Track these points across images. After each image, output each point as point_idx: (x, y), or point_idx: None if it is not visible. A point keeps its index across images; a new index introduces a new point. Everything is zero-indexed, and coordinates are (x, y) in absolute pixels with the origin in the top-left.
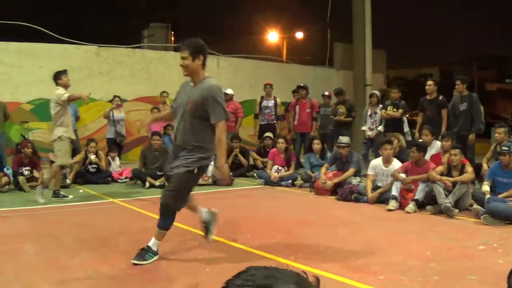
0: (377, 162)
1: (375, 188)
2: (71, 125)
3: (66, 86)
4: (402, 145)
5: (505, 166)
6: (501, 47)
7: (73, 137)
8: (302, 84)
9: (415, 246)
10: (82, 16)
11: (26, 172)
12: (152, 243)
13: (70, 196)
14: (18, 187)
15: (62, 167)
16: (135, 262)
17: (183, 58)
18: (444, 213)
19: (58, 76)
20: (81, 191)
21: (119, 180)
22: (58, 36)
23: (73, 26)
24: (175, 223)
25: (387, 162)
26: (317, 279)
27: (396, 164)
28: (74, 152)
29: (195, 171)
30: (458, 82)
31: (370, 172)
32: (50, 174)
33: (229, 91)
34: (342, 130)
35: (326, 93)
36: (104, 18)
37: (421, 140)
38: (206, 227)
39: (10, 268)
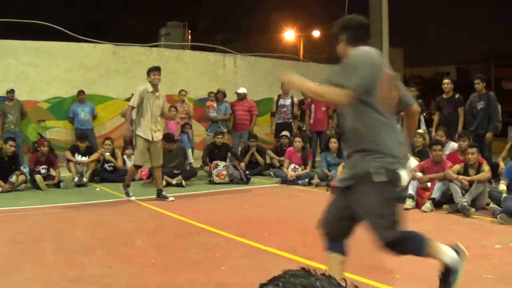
0: None
1: None
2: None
3: (152, 84)
4: (426, 143)
5: None
6: None
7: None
8: (317, 83)
9: None
10: (99, 15)
11: (43, 171)
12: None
13: (171, 198)
14: (35, 186)
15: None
16: None
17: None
18: (460, 212)
19: (147, 73)
20: (98, 189)
21: (135, 178)
22: (75, 35)
23: (90, 24)
24: (190, 221)
25: None
26: (356, 287)
27: (412, 161)
28: (91, 150)
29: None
30: (478, 81)
31: None
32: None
33: (241, 90)
34: None
35: None
36: (122, 16)
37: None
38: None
39: (29, 265)
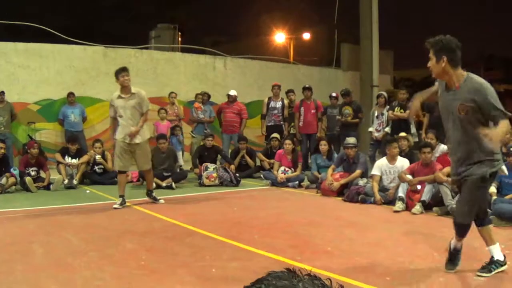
0: (382, 161)
1: (382, 189)
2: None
3: (122, 86)
4: (411, 146)
5: None
6: (508, 48)
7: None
8: (307, 85)
9: (421, 247)
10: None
11: (32, 173)
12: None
13: (161, 201)
14: (25, 188)
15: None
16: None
17: (429, 58)
18: (450, 215)
19: (116, 76)
20: (87, 191)
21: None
22: (65, 37)
23: (80, 26)
24: (180, 223)
25: (392, 159)
26: (341, 287)
27: (401, 161)
28: (81, 152)
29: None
30: None
31: (375, 172)
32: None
33: (233, 92)
34: (349, 132)
35: (334, 94)
36: (112, 19)
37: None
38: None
39: (19, 268)
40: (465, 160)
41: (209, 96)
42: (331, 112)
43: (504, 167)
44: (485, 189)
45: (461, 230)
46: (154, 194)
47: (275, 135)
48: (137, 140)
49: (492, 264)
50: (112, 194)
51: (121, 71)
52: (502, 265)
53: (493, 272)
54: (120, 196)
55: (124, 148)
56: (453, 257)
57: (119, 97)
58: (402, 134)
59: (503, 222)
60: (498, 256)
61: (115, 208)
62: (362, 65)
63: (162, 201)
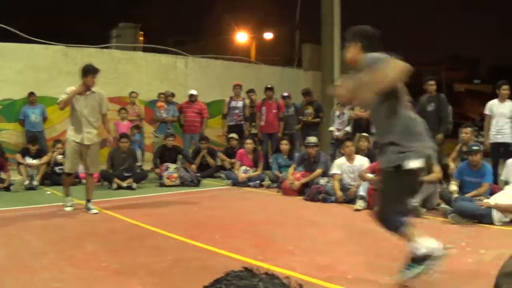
0: (341, 160)
1: (343, 187)
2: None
3: (86, 85)
4: (370, 146)
5: (474, 166)
6: (469, 48)
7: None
8: (269, 85)
9: (383, 245)
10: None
11: None
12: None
13: (94, 210)
14: None
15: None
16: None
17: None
18: (412, 212)
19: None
20: (48, 192)
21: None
22: (26, 36)
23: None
24: (141, 224)
25: (350, 159)
26: (300, 286)
27: (360, 160)
28: (41, 153)
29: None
30: (432, 82)
31: (336, 171)
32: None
33: (193, 92)
34: (310, 131)
35: (285, 94)
36: (73, 18)
37: None
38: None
39: None
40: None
41: (173, 96)
42: (287, 111)
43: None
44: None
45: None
46: (90, 204)
47: (233, 135)
48: (90, 141)
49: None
50: (72, 195)
51: (94, 72)
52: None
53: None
54: (67, 196)
55: (75, 149)
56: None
57: (81, 94)
58: (363, 134)
59: (464, 219)
60: (425, 248)
61: (68, 210)
62: (323, 65)
63: (95, 210)
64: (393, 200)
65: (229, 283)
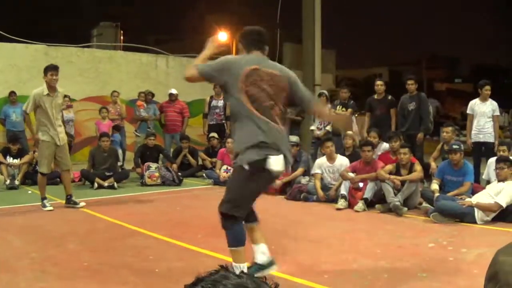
0: (322, 160)
1: (324, 187)
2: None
3: (49, 85)
4: (356, 144)
5: (455, 165)
6: (450, 47)
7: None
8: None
9: (364, 244)
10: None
11: None
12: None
13: (82, 203)
14: None
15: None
16: None
17: None
18: (393, 212)
19: (44, 72)
20: (30, 192)
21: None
22: (7, 35)
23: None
24: (123, 224)
25: (331, 159)
26: (276, 285)
27: (340, 160)
28: (22, 152)
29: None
30: (411, 81)
31: (316, 171)
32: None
33: (174, 91)
34: (291, 130)
35: None
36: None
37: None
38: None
39: None
40: None
41: (153, 95)
42: None
43: None
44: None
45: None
46: (74, 198)
47: (214, 134)
48: (62, 141)
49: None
50: (54, 194)
51: (51, 69)
52: (262, 269)
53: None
54: (44, 199)
55: (52, 150)
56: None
57: (48, 95)
58: (349, 132)
59: (445, 218)
60: (259, 259)
61: (48, 210)
62: (304, 64)
63: (83, 203)
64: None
65: (216, 283)
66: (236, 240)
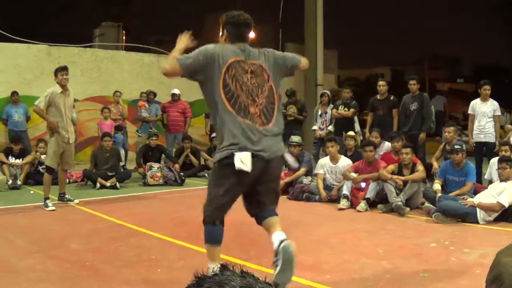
0: (324, 160)
1: (326, 187)
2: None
3: (61, 85)
4: (358, 145)
5: (457, 165)
6: (451, 47)
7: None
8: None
9: (366, 244)
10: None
11: None
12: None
13: (76, 200)
14: None
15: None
16: None
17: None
18: (395, 212)
19: (55, 74)
20: (32, 192)
21: (70, 181)
22: (9, 35)
23: (24, 25)
24: (125, 224)
25: (334, 159)
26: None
27: (343, 160)
28: (24, 152)
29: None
30: (413, 81)
31: (319, 171)
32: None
33: (176, 91)
34: (293, 130)
35: None
36: (56, 17)
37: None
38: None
39: None
40: None
41: (154, 95)
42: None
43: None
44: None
45: None
46: (67, 196)
47: (215, 134)
48: (71, 139)
49: None
50: (57, 195)
51: (61, 70)
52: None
53: None
54: (47, 199)
55: (61, 147)
56: None
57: (61, 93)
58: (350, 133)
59: (447, 218)
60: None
61: (50, 210)
62: None
63: (76, 200)
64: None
65: (222, 284)
66: (210, 238)
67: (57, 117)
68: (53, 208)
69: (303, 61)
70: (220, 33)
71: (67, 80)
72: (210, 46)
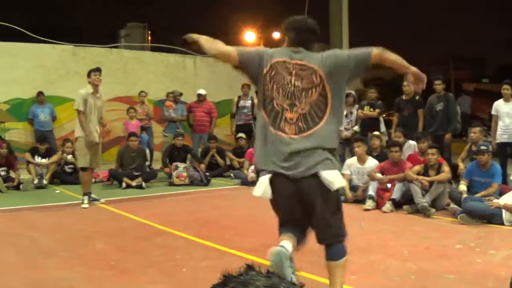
0: (351, 161)
1: (352, 187)
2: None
3: (93, 85)
4: (383, 145)
5: (483, 166)
6: (477, 47)
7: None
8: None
9: (392, 245)
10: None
11: (2, 173)
12: None
13: (102, 200)
14: None
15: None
16: None
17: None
18: (420, 213)
19: (88, 74)
20: (57, 191)
21: (96, 180)
22: (34, 36)
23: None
24: (150, 223)
25: (361, 160)
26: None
27: (371, 161)
28: (50, 152)
29: None
30: (439, 81)
31: (345, 171)
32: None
33: (202, 91)
34: None
35: None
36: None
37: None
38: None
39: None
40: None
41: (181, 95)
42: None
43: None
44: None
45: None
46: (93, 195)
47: (242, 134)
48: (99, 139)
49: None
50: (82, 194)
51: (95, 71)
52: None
53: None
54: (86, 194)
55: (89, 146)
56: None
57: (92, 93)
58: (376, 133)
59: (473, 220)
60: None
61: (85, 207)
62: None
63: (102, 200)
64: None
65: (246, 283)
66: None
67: (88, 117)
68: (87, 206)
69: (375, 52)
70: (282, 39)
71: (99, 80)
72: (267, 48)
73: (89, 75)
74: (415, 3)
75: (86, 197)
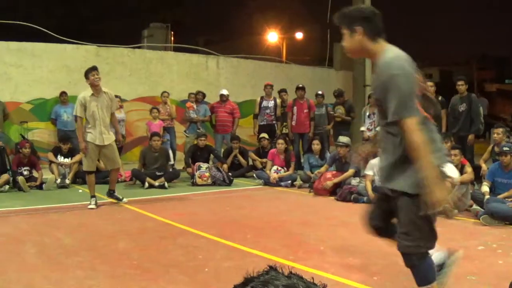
0: (375, 161)
1: (375, 188)
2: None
3: (93, 85)
4: None
5: (505, 167)
6: (500, 47)
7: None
8: (300, 85)
9: None
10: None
11: (25, 172)
12: None
13: (125, 199)
14: (18, 187)
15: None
16: None
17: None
18: (443, 214)
19: (85, 75)
20: (80, 191)
21: (119, 180)
22: (58, 36)
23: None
24: (173, 223)
25: None
26: (324, 286)
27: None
28: (73, 152)
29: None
30: (461, 82)
31: (369, 172)
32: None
33: (225, 91)
34: (341, 130)
35: (320, 92)
36: (105, 18)
37: None
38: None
39: (12, 267)
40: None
41: (204, 95)
42: (319, 110)
43: None
44: None
45: None
46: (116, 193)
47: (264, 135)
48: (107, 141)
49: None
50: (105, 194)
51: (91, 70)
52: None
53: None
54: (93, 197)
55: (93, 149)
56: None
57: (92, 95)
58: None
59: (495, 221)
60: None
61: (91, 208)
62: (354, 64)
63: (125, 199)
64: None
65: (266, 283)
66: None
67: (91, 121)
68: (94, 206)
69: (408, 123)
70: (348, 32)
71: (99, 79)
72: (405, 64)
73: (86, 76)
74: (437, 3)
75: (93, 199)
